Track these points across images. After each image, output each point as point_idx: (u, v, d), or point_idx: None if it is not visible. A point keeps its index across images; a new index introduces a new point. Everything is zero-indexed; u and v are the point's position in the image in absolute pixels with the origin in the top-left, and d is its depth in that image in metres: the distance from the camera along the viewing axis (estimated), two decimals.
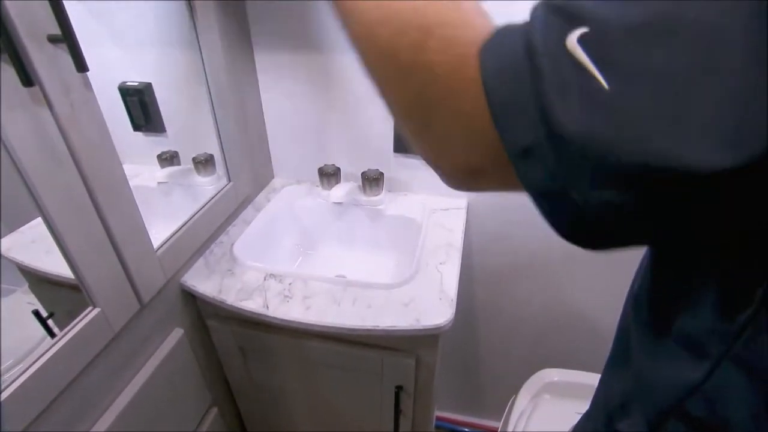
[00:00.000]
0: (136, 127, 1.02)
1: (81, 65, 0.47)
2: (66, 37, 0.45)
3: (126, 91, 0.98)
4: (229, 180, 0.87)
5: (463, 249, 0.84)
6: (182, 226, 0.75)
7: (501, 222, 0.97)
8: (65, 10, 0.45)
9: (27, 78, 0.42)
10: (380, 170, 0.92)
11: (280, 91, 0.92)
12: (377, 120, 0.90)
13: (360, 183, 0.94)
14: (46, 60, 0.45)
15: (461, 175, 0.27)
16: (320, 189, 0.96)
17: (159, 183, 0.93)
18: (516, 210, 0.95)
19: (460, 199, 0.96)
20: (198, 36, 0.78)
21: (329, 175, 0.93)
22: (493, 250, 1.02)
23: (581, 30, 0.19)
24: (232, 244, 0.83)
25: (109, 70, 0.97)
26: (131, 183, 0.62)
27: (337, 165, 0.95)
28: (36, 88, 0.45)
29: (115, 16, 0.90)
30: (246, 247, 0.84)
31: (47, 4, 0.44)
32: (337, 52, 0.84)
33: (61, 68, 0.47)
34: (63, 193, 0.49)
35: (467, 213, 0.94)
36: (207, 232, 0.81)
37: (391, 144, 0.91)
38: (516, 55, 0.21)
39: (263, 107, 0.96)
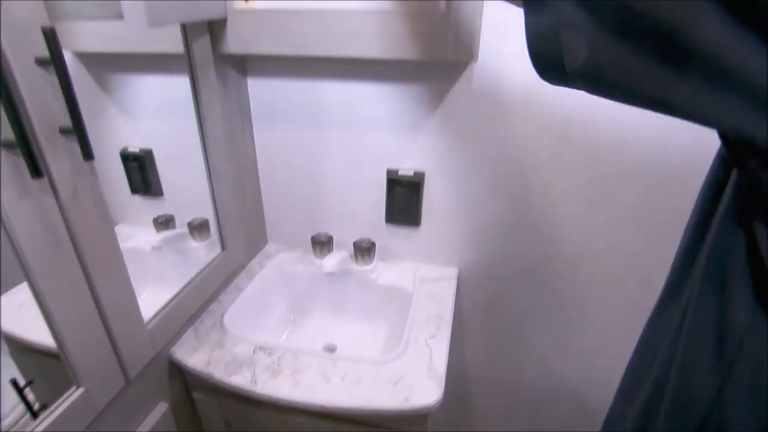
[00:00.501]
0: (134, 191, 1.05)
1: (88, 154, 0.49)
2: (76, 129, 0.48)
3: (127, 157, 1.01)
4: (223, 248, 0.88)
5: (454, 317, 0.85)
6: (174, 297, 0.75)
7: (491, 291, 0.98)
8: (78, 104, 0.48)
9: (37, 170, 0.44)
10: (372, 240, 0.94)
11: (277, 161, 0.96)
12: (370, 191, 0.93)
13: (352, 252, 0.95)
14: (55, 150, 0.48)
15: None
16: (313, 257, 0.97)
17: (153, 248, 0.94)
18: (506, 279, 0.96)
19: (451, 268, 0.97)
20: (200, 109, 0.82)
21: (322, 244, 0.95)
22: (484, 319, 1.03)
23: None
24: (223, 314, 0.83)
25: (112, 135, 1.01)
26: (126, 245, 0.63)
27: (330, 233, 0.97)
28: (44, 178, 0.47)
29: (122, 88, 0.95)
30: (237, 316, 0.84)
31: (62, 97, 0.47)
32: (334, 129, 0.88)
33: (68, 156, 0.49)
34: (57, 272, 0.50)
35: (458, 281, 0.96)
36: (198, 302, 0.81)
37: (383, 214, 0.94)
38: None
39: (259, 174, 0.99)
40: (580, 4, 0.24)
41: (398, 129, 0.85)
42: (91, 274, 0.54)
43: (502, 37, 0.73)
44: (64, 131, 0.49)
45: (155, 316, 0.70)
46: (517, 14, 0.71)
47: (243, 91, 0.89)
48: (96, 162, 0.54)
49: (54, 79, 0.47)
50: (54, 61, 0.45)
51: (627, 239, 0.86)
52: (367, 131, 0.87)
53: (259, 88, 0.89)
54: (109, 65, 0.91)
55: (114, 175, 1.03)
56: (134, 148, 1.01)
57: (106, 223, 0.56)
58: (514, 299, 0.98)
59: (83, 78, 0.94)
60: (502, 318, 1.02)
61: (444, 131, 0.84)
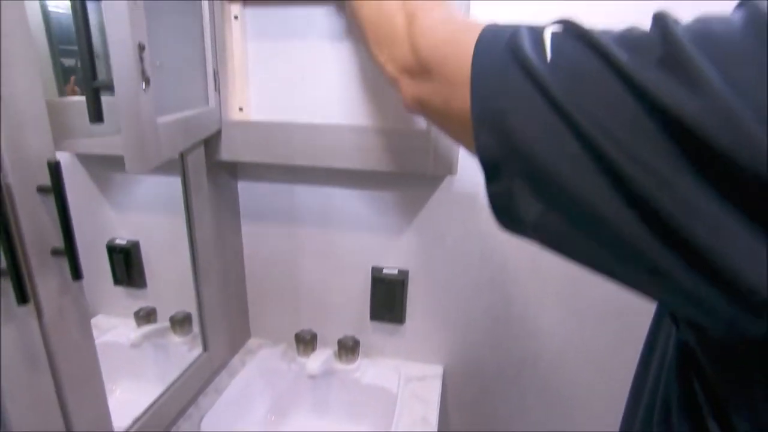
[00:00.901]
0: (117, 282, 1.04)
1: (77, 274, 0.50)
2: (68, 251, 0.49)
3: (113, 249, 1.02)
4: (205, 349, 0.86)
5: (440, 419, 0.83)
6: (151, 406, 0.72)
7: (476, 389, 0.97)
8: (73, 229, 0.50)
9: (24, 297, 0.45)
10: (356, 338, 0.94)
11: (264, 257, 0.97)
12: (355, 287, 0.94)
13: (336, 349, 0.94)
14: (44, 271, 0.49)
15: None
16: (296, 354, 0.96)
17: (132, 345, 0.92)
18: (492, 378, 0.95)
19: (436, 366, 0.96)
20: (190, 210, 0.85)
21: (306, 342, 0.94)
22: (469, 417, 1.00)
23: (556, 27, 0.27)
24: (201, 419, 0.80)
25: (101, 226, 1.02)
26: (104, 338, 0.61)
27: (314, 330, 0.97)
28: (30, 303, 0.47)
29: (115, 184, 0.98)
30: (215, 421, 0.80)
31: (57, 221, 0.49)
32: (319, 228, 0.91)
33: (56, 276, 0.50)
34: (29, 393, 0.49)
35: (443, 379, 0.94)
36: (176, 409, 0.78)
37: (368, 310, 0.94)
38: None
39: (245, 269, 0.99)
40: (531, 184, 0.26)
41: (381, 230, 0.88)
42: (66, 395, 0.52)
43: None
44: (55, 252, 0.50)
45: (129, 429, 0.67)
46: None
47: (233, 192, 0.92)
48: (81, 253, 0.54)
49: (52, 203, 0.49)
50: (55, 192, 0.47)
51: (601, 343, 0.87)
52: (351, 231, 0.90)
53: (249, 190, 0.93)
54: (104, 164, 0.95)
55: (99, 266, 1.03)
56: (122, 239, 1.02)
57: (88, 342, 0.56)
58: (500, 399, 0.97)
59: (79, 175, 0.97)
60: (488, 416, 0.99)
61: (426, 234, 0.87)
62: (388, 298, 0.91)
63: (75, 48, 0.79)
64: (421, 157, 0.72)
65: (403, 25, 0.38)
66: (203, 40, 0.72)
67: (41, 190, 0.48)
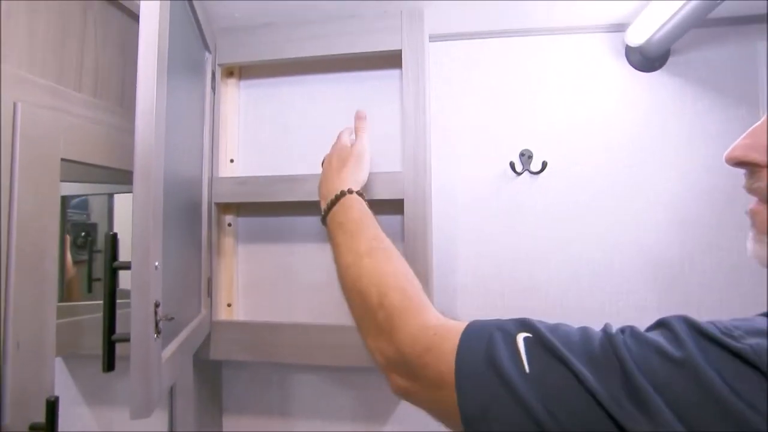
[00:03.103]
0: None
1: None
2: None
3: None
4: None
5: None
6: None
7: None
8: None
9: None
10: None
11: None
12: None
13: None
14: None
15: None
16: None
17: None
18: None
19: None
20: (173, 407, 0.83)
21: None
22: None
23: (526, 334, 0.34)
24: None
25: (71, 425, 0.98)
26: None
27: None
28: None
29: (93, 378, 0.97)
30: None
31: None
32: (303, 420, 0.90)
33: None
34: None
35: None
36: None
37: None
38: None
39: None
40: None
41: (366, 418, 0.88)
42: None
43: None
44: None
45: None
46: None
47: (217, 387, 0.92)
48: None
49: None
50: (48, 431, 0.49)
51: None
52: (336, 421, 0.89)
53: (232, 380, 0.93)
54: (87, 360, 0.96)
55: None
56: None
57: None
58: None
59: (58, 373, 0.97)
60: None
61: (410, 420, 0.87)
62: None
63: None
64: None
65: (386, 325, 0.42)
66: (201, 251, 0.80)
67: (33, 428, 0.50)
